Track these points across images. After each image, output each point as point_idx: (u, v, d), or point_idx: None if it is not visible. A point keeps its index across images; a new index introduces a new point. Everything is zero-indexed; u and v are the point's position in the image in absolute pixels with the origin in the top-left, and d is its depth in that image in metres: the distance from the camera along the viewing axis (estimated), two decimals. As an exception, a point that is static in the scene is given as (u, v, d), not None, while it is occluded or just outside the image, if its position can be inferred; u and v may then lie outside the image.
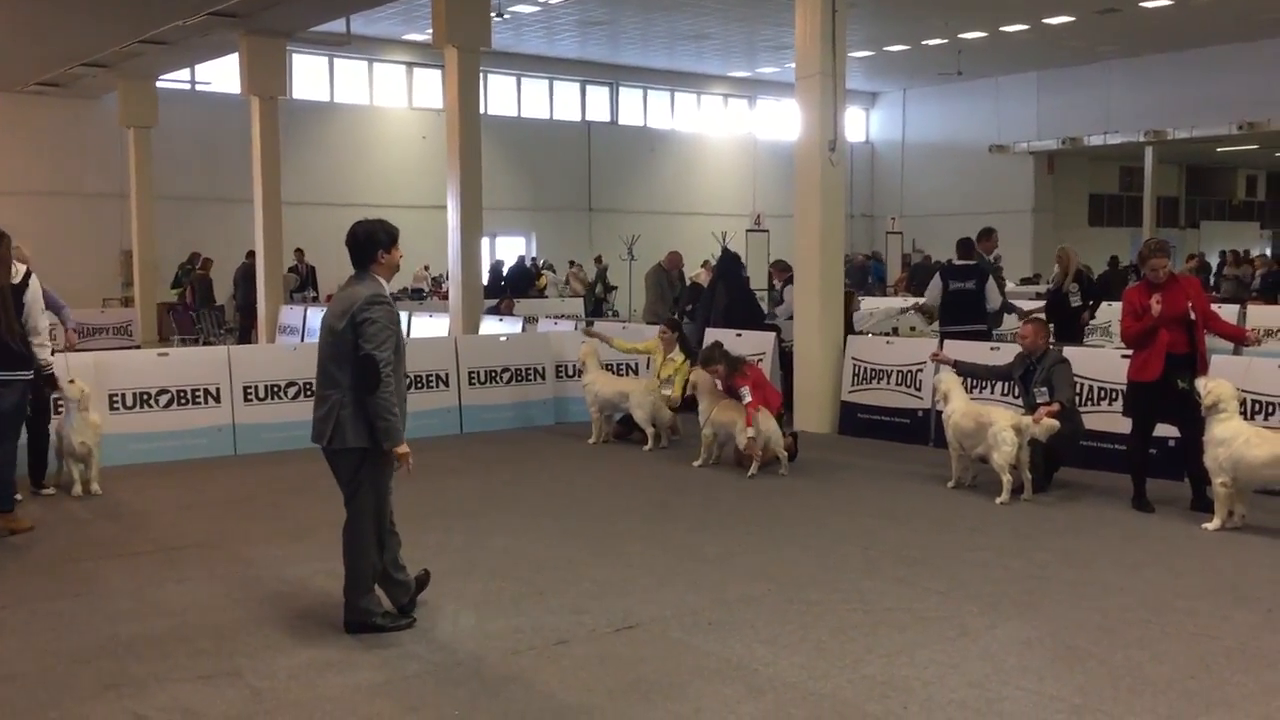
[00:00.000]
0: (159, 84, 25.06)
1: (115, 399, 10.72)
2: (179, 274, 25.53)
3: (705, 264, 21.84)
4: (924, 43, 30.78)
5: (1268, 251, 38.86)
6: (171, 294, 25.66)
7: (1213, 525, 7.87)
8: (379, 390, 5.64)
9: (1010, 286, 26.12)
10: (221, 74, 27.16)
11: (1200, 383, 8.00)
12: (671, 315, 13.85)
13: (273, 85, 20.77)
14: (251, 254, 22.40)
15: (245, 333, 22.78)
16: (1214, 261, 32.53)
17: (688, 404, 11.28)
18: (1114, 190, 40.30)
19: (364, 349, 5.63)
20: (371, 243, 5.83)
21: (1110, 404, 9.93)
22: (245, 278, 22.69)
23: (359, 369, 5.65)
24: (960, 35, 29.64)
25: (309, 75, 30.04)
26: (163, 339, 24.34)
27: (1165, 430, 8.85)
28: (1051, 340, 10.41)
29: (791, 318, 13.90)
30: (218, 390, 11.27)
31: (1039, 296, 17.94)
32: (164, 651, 5.59)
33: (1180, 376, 8.27)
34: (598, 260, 30.83)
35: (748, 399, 9.92)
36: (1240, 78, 30.52)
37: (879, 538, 7.82)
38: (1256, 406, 9.14)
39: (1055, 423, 8.76)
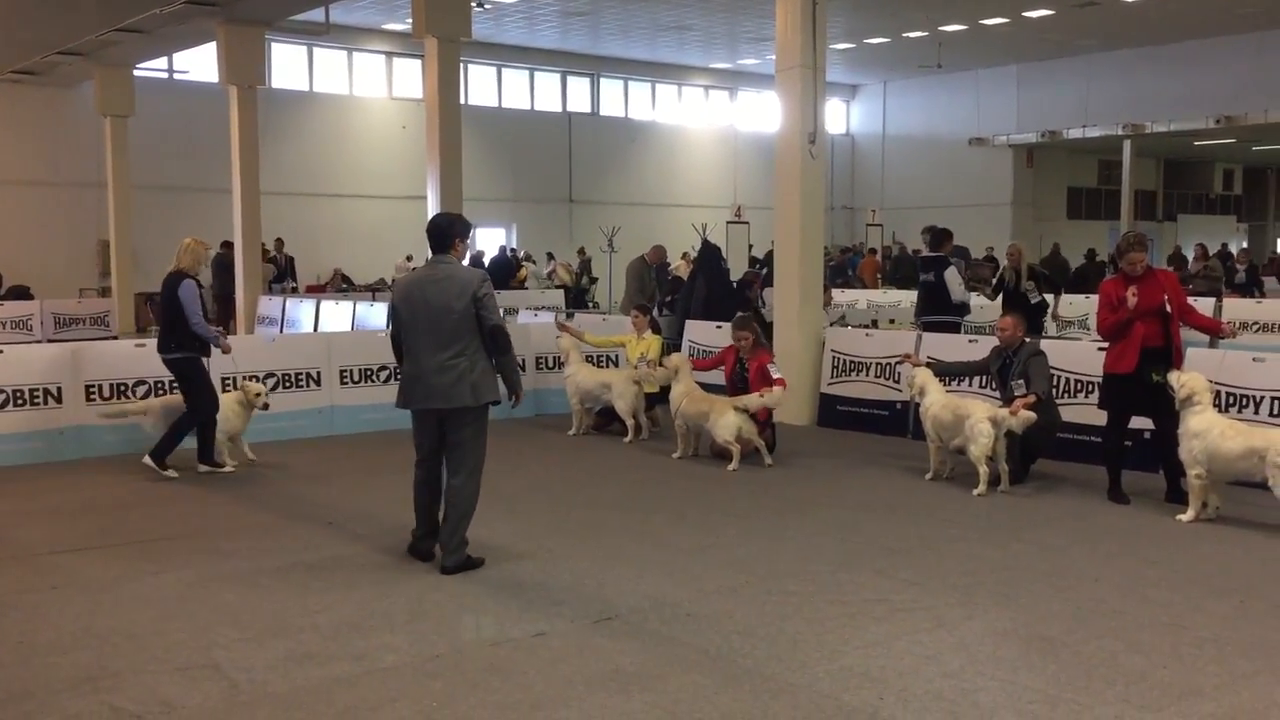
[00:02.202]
0: (136, 73, 24.86)
1: (92, 390, 10.64)
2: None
3: (685, 256, 21.82)
4: (904, 35, 30.87)
5: (1244, 244, 39.13)
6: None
7: (1186, 517, 7.94)
8: (511, 350, 6.89)
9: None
10: (199, 63, 27.03)
11: (1174, 376, 8.06)
12: (648, 306, 13.84)
13: (251, 74, 20.61)
14: (227, 244, 22.30)
15: (223, 323, 22.67)
16: (1189, 255, 32.73)
17: (665, 393, 11.31)
18: (1092, 183, 40.52)
19: (493, 320, 6.75)
20: (453, 231, 6.91)
21: (1086, 396, 10.00)
22: (222, 268, 22.57)
23: (493, 336, 6.73)
24: (940, 28, 29.72)
25: (288, 64, 29.91)
26: (140, 329, 24.20)
27: (1140, 422, 8.91)
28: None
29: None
30: (195, 381, 11.19)
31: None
32: (140, 644, 5.58)
33: (1155, 369, 8.33)
34: (580, 252, 30.82)
35: (777, 374, 10.30)
36: (1217, 72, 30.73)
37: (857, 529, 7.86)
38: (1230, 399, 9.23)
39: (1031, 414, 8.81)
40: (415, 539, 7.08)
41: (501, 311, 12.76)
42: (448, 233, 6.89)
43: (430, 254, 6.94)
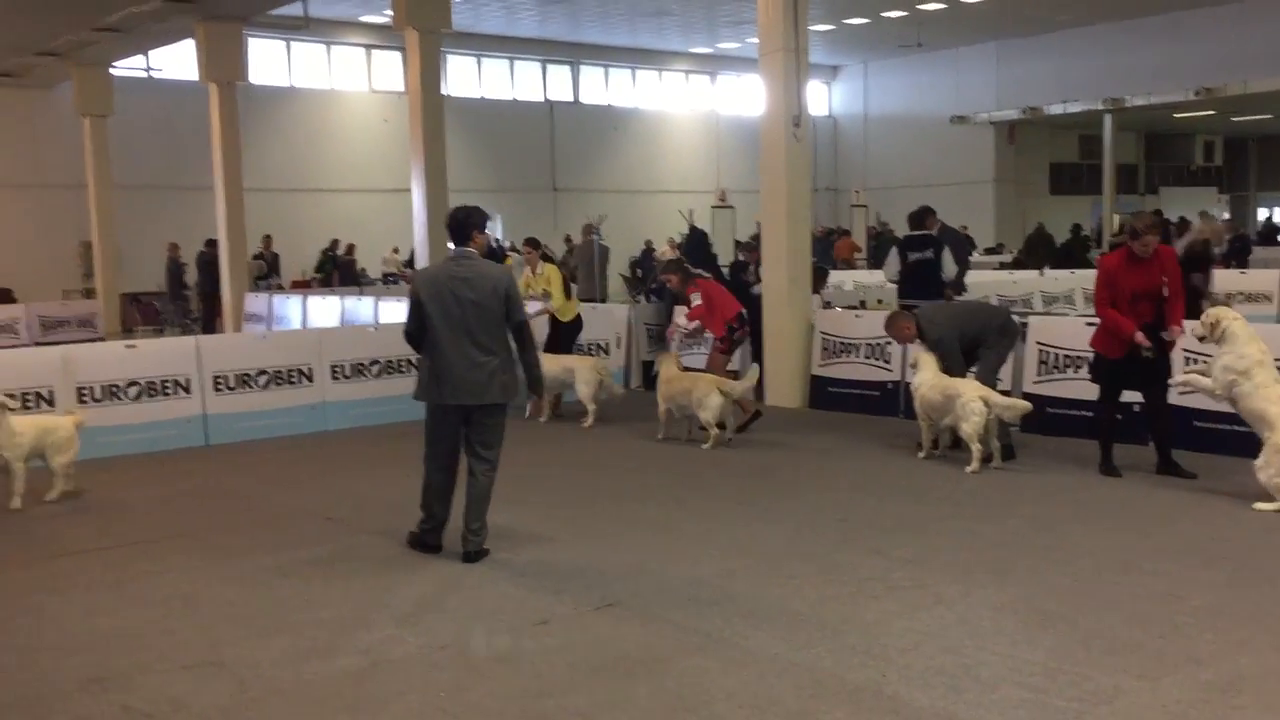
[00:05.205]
0: (114, 71, 24.72)
1: (84, 392, 10.63)
2: (322, 259, 26.39)
3: (670, 241, 21.80)
4: (883, 15, 30.84)
5: (1226, 215, 39.30)
6: (317, 276, 26.64)
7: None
8: (535, 346, 7.11)
9: (977, 256, 26.30)
10: (178, 60, 26.88)
11: (1202, 318, 8.07)
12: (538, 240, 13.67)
13: (230, 71, 20.55)
14: (210, 242, 22.23)
15: (209, 321, 22.62)
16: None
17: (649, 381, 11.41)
18: (1074, 159, 40.59)
19: (520, 316, 6.88)
20: (470, 222, 6.98)
21: (1075, 372, 10.06)
22: (206, 265, 22.51)
23: (520, 331, 6.88)
24: (919, 7, 29.71)
25: (267, 60, 29.70)
26: (127, 330, 24.10)
27: (1131, 396, 8.97)
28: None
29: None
30: (187, 381, 11.20)
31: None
32: (145, 643, 5.60)
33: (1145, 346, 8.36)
34: (566, 240, 30.77)
35: (696, 302, 10.90)
36: (1196, 43, 30.78)
37: (852, 510, 7.91)
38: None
39: (1027, 404, 8.93)
40: (424, 531, 7.06)
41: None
42: (466, 225, 6.96)
43: (451, 246, 7.03)
